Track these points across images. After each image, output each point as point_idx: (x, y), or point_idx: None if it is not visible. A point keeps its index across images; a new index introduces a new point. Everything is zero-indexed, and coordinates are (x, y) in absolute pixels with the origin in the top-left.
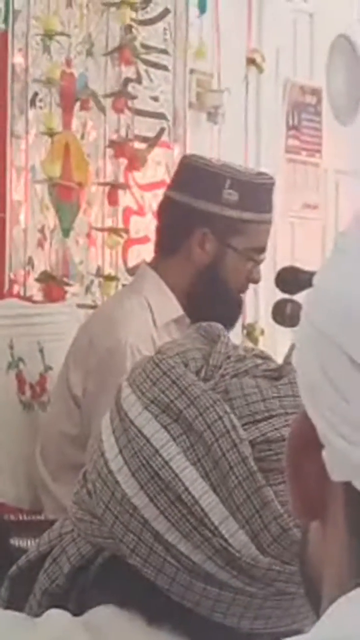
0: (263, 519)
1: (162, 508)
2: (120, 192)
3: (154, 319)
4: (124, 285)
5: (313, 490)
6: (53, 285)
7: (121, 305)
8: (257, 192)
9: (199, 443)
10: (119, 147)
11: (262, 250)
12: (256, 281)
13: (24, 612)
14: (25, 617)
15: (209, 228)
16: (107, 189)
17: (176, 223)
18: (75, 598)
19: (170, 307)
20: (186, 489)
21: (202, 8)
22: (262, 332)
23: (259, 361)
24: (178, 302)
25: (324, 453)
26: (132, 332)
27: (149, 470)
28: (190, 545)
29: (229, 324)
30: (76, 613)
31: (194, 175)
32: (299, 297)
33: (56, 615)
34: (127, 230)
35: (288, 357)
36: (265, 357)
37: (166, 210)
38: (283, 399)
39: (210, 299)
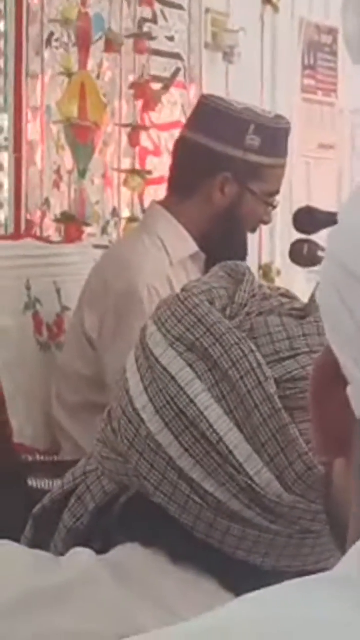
0: (288, 457)
1: (187, 446)
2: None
3: (169, 257)
4: None
5: (337, 427)
6: (70, 226)
7: (135, 246)
8: (276, 137)
9: (224, 381)
10: (137, 88)
11: (277, 193)
12: (267, 223)
13: (49, 551)
14: (49, 555)
15: (230, 172)
16: (123, 129)
17: (196, 165)
18: (99, 536)
19: (185, 244)
20: (211, 426)
21: None
22: (279, 273)
23: (285, 300)
24: (193, 240)
25: (349, 389)
26: (148, 273)
27: (174, 408)
28: (215, 483)
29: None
30: (100, 551)
31: (216, 118)
32: (316, 237)
33: (80, 554)
34: (149, 172)
35: (313, 295)
36: (291, 297)
37: (185, 152)
38: (308, 337)
39: (226, 240)
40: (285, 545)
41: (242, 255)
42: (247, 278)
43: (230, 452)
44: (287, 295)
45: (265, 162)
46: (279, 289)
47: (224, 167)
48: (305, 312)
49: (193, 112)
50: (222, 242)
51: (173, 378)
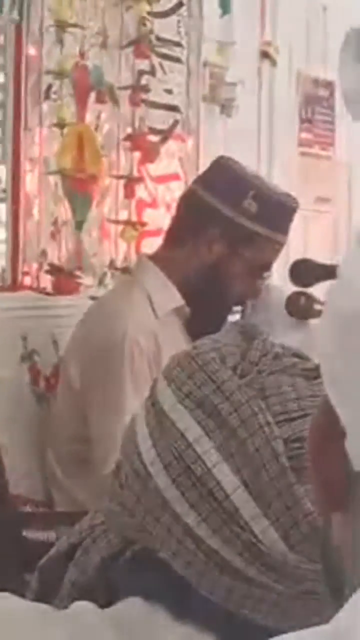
0: (294, 517)
1: (194, 502)
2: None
3: (154, 310)
4: None
5: (336, 480)
6: (66, 278)
7: (121, 299)
8: (277, 211)
9: (233, 438)
10: (134, 140)
11: (266, 267)
12: (255, 296)
13: (54, 603)
14: (52, 609)
15: (219, 230)
16: (120, 181)
17: (191, 217)
18: (104, 590)
19: (171, 297)
20: (218, 483)
21: (225, 8)
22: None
23: (297, 360)
24: (179, 292)
25: (346, 443)
26: (132, 326)
27: (182, 464)
28: (220, 541)
29: (222, 322)
30: (104, 605)
31: (221, 177)
32: (313, 290)
33: (82, 609)
34: (143, 224)
35: None
36: (304, 357)
37: (185, 202)
38: (317, 398)
39: (208, 296)
40: (289, 606)
41: (224, 314)
42: (260, 337)
43: (237, 510)
44: (299, 355)
45: (260, 231)
46: (291, 349)
47: (215, 224)
48: (317, 373)
49: (207, 168)
50: (206, 298)
51: (182, 434)
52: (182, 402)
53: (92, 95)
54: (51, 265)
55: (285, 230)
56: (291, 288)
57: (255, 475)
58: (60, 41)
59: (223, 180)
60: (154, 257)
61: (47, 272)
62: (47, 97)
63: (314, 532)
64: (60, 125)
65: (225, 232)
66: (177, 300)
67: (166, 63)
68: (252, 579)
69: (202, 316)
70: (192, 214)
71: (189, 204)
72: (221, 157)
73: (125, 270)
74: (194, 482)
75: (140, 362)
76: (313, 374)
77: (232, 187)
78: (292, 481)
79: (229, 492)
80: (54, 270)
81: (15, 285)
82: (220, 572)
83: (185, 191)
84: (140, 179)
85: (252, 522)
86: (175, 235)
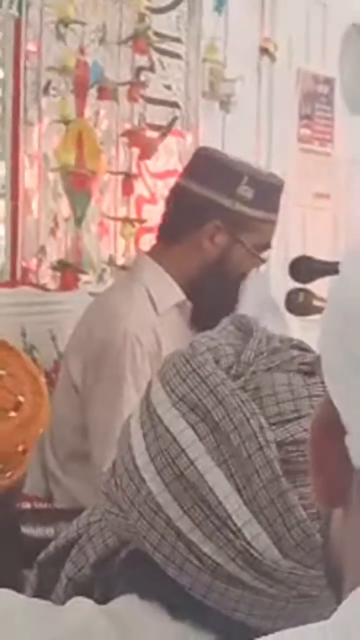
0: (286, 523)
1: (186, 508)
2: (133, 181)
3: (155, 306)
4: None
5: (336, 477)
6: (66, 274)
7: (122, 295)
8: (269, 192)
9: (225, 444)
10: (133, 136)
11: (266, 247)
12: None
13: (50, 598)
14: (50, 605)
15: (221, 221)
16: (119, 177)
17: (186, 212)
18: (100, 587)
19: (172, 293)
20: (210, 489)
21: (220, 8)
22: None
23: (295, 353)
24: (179, 287)
25: (347, 439)
26: (132, 323)
27: (175, 469)
28: (213, 546)
29: (226, 313)
30: (100, 601)
31: (211, 168)
32: (312, 286)
33: (80, 604)
34: (141, 220)
35: None
36: (303, 348)
37: (178, 199)
38: (313, 398)
39: (214, 290)
40: (283, 608)
41: (230, 306)
42: (256, 334)
43: (229, 516)
44: (300, 346)
45: (257, 215)
46: (291, 339)
47: (214, 216)
48: (315, 367)
49: (190, 162)
50: (210, 291)
51: (174, 439)
52: (175, 405)
53: (92, 92)
54: (59, 261)
55: (276, 208)
56: (291, 284)
57: (247, 482)
58: (60, 37)
59: (213, 170)
60: (151, 254)
61: (53, 267)
62: (45, 93)
63: (307, 539)
64: (61, 121)
65: (225, 221)
66: (178, 295)
67: (165, 59)
68: (246, 584)
69: (207, 309)
70: (187, 210)
71: (181, 199)
72: (202, 149)
73: (124, 267)
74: (187, 487)
75: (141, 359)
76: (311, 368)
77: (224, 176)
78: (285, 487)
79: (222, 498)
80: (57, 266)
81: (14, 281)
82: (213, 577)
83: (174, 187)
84: (139, 175)
85: (245, 528)
86: (171, 231)
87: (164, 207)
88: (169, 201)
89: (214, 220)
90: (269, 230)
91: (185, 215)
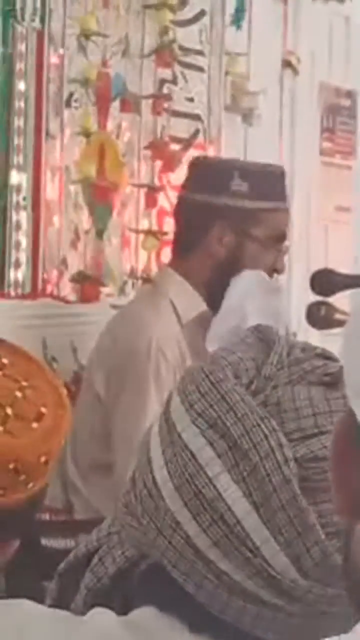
0: (305, 543)
1: (205, 526)
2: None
3: (179, 318)
4: None
5: (358, 491)
6: (87, 286)
7: (147, 308)
8: (267, 181)
9: (244, 462)
10: (155, 148)
11: (282, 238)
12: (280, 271)
13: (70, 608)
14: (70, 615)
15: (222, 222)
16: (141, 190)
17: (192, 222)
18: (118, 598)
19: (194, 303)
20: (229, 508)
21: (238, 21)
22: (295, 335)
23: (318, 363)
24: (201, 297)
25: None
26: (157, 336)
27: (193, 487)
28: (231, 564)
29: None
30: (119, 612)
31: (201, 173)
32: (333, 299)
33: (100, 615)
34: (164, 233)
35: None
36: (327, 357)
37: (181, 211)
38: (334, 414)
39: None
40: (301, 626)
41: None
42: (276, 347)
43: (247, 534)
44: (323, 355)
45: (258, 206)
46: (314, 348)
47: (216, 217)
48: (337, 379)
49: (186, 175)
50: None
51: (193, 456)
52: (194, 421)
53: (115, 104)
54: (79, 273)
55: (283, 196)
56: (312, 297)
57: (266, 500)
58: (82, 49)
59: (204, 174)
60: (173, 266)
61: (73, 280)
62: (68, 105)
63: (325, 559)
64: (86, 134)
65: (228, 220)
66: (201, 305)
67: (188, 72)
68: (264, 601)
69: None
70: (190, 219)
71: (183, 211)
72: (195, 158)
73: (146, 279)
74: (205, 506)
75: (166, 371)
76: (333, 379)
77: (214, 176)
78: (303, 507)
79: (240, 516)
80: (78, 278)
81: (35, 293)
82: (231, 594)
83: (177, 202)
84: (161, 188)
85: (263, 546)
86: (183, 243)
87: (174, 222)
88: (175, 216)
89: (217, 222)
90: (279, 220)
91: (190, 224)
